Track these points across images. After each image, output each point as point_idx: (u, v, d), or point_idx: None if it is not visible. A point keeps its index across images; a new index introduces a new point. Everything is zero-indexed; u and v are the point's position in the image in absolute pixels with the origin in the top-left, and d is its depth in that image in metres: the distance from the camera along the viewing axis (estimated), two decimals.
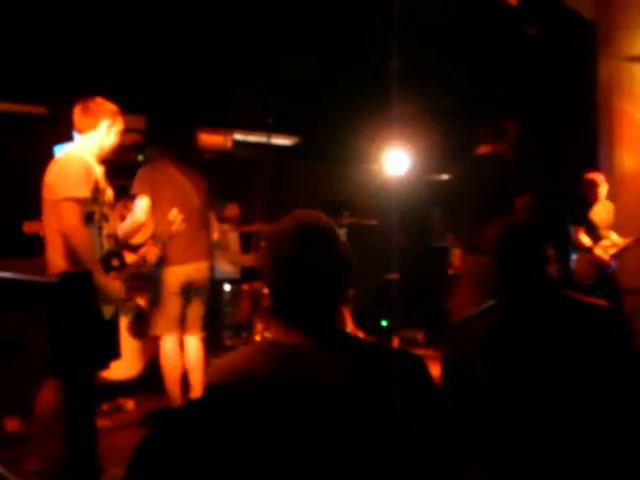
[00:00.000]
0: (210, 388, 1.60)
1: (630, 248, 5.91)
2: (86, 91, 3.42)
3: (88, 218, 3.27)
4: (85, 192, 3.23)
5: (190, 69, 6.02)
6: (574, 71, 6.69)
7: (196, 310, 4.47)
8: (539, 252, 2.22)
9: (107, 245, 3.38)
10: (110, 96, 3.50)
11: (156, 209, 4.25)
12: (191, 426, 1.46)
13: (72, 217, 3.18)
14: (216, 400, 1.53)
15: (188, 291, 4.40)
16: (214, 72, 6.23)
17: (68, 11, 5.18)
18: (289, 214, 1.71)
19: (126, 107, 5.35)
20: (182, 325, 4.42)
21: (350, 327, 6.05)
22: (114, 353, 3.46)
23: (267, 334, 5.49)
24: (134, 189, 4.29)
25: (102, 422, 4.19)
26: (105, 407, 4.54)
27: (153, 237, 4.19)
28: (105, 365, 3.62)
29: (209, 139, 6.26)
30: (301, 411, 1.50)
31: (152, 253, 3.81)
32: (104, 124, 3.42)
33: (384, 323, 6.68)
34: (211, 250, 4.65)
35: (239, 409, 1.47)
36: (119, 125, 3.51)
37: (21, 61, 5.06)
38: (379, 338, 6.39)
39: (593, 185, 6.06)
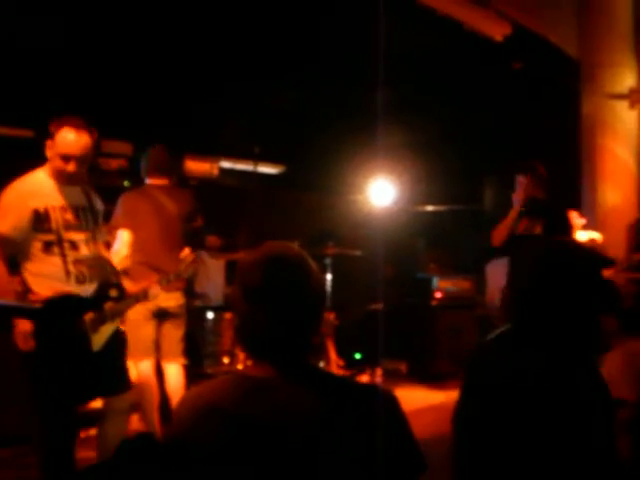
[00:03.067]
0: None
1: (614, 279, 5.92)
2: (73, 116, 3.40)
3: (46, 248, 3.22)
4: (2, 227, 3.16)
5: (178, 97, 6.04)
6: (558, 107, 6.79)
7: (172, 336, 4.43)
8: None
9: (75, 272, 3.28)
10: (97, 121, 3.47)
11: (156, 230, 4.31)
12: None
13: None
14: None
15: (160, 318, 4.37)
16: (201, 100, 6.25)
17: (57, 37, 5.19)
18: (261, 245, 1.67)
19: (113, 133, 5.38)
20: (159, 352, 4.39)
21: (332, 357, 6.02)
22: (112, 384, 3.40)
23: (249, 362, 5.45)
24: (114, 221, 4.26)
25: (81, 452, 4.12)
26: (83, 435, 4.47)
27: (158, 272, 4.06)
28: (93, 396, 3.58)
29: (195, 166, 6.26)
30: (267, 446, 1.47)
31: (155, 289, 3.66)
32: (52, 139, 3.26)
33: (357, 356, 6.64)
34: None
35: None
36: (63, 144, 3.24)
37: (8, 85, 5.06)
38: (359, 369, 6.37)
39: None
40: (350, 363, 6.32)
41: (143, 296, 3.58)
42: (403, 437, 1.57)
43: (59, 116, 3.31)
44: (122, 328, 3.84)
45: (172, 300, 4.36)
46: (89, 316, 3.28)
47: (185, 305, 4.54)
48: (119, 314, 3.46)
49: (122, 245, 4.12)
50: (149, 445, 1.54)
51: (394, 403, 1.60)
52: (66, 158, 3.24)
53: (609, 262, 2.21)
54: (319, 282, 1.64)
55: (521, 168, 5.14)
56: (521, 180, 5.10)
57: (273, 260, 1.59)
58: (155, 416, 4.23)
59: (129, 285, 3.65)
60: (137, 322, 4.25)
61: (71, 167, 3.25)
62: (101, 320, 3.33)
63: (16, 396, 3.64)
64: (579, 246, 2.18)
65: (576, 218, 6.09)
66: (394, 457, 1.53)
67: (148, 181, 4.57)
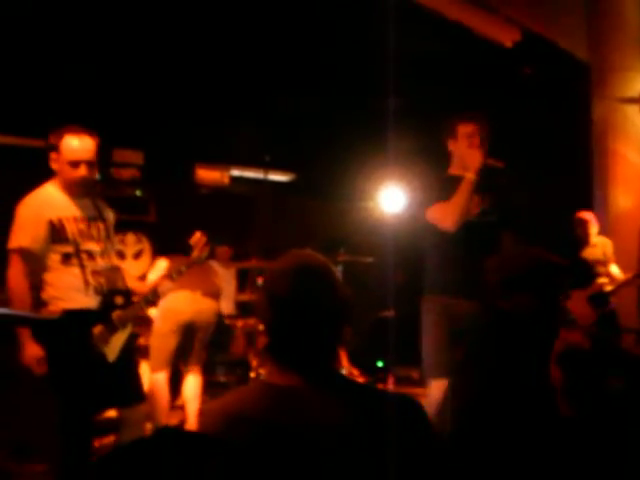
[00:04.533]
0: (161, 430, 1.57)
1: (627, 285, 5.90)
2: (84, 126, 3.41)
3: (64, 260, 3.24)
4: (23, 241, 3.19)
5: (188, 105, 6.06)
6: (568, 112, 6.77)
7: (198, 347, 4.51)
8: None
9: (94, 282, 3.28)
10: (108, 131, 3.49)
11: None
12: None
13: (9, 268, 3.19)
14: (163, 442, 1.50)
15: (190, 332, 4.42)
16: (212, 108, 6.27)
17: (69, 47, 5.23)
18: (286, 254, 1.69)
19: (125, 142, 5.40)
20: (184, 360, 4.47)
21: (345, 365, 6.01)
22: (128, 395, 3.40)
23: (262, 371, 5.45)
24: None
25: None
26: (97, 444, 4.48)
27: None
28: (107, 406, 3.58)
29: (206, 174, 6.28)
30: (295, 454, 1.48)
31: (165, 285, 3.63)
32: (56, 150, 3.26)
33: (380, 364, 6.63)
34: (218, 290, 4.65)
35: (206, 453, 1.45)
36: (69, 151, 3.25)
37: (20, 95, 5.09)
38: (374, 377, 6.35)
39: (583, 224, 6.09)
40: (368, 370, 6.31)
41: (153, 295, 3.52)
42: (430, 445, 1.58)
43: (58, 128, 3.33)
44: (137, 334, 3.82)
45: (204, 314, 4.45)
46: (97, 329, 3.27)
47: (218, 314, 4.63)
48: (130, 320, 3.41)
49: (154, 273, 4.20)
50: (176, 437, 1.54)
51: (420, 411, 1.61)
52: (75, 164, 3.26)
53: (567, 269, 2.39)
54: (344, 290, 1.65)
55: (463, 116, 3.77)
56: (467, 130, 3.71)
57: (301, 269, 1.61)
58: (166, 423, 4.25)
59: (139, 286, 3.61)
60: (163, 334, 4.28)
61: (82, 171, 3.27)
62: (110, 331, 3.31)
63: (25, 407, 3.66)
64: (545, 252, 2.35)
65: (593, 225, 6.06)
66: (422, 464, 1.54)
67: None
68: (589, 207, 6.55)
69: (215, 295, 4.57)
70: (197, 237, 3.73)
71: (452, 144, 3.78)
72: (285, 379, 1.59)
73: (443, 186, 3.67)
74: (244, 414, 1.54)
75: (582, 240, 6.07)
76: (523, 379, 2.13)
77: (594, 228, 6.08)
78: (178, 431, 1.54)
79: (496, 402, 2.08)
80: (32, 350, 3.10)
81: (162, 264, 4.31)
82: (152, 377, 4.31)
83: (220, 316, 5.86)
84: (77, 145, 3.26)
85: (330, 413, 1.53)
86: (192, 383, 4.46)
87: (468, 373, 2.25)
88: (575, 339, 2.43)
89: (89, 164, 3.29)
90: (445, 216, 3.52)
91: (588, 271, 5.95)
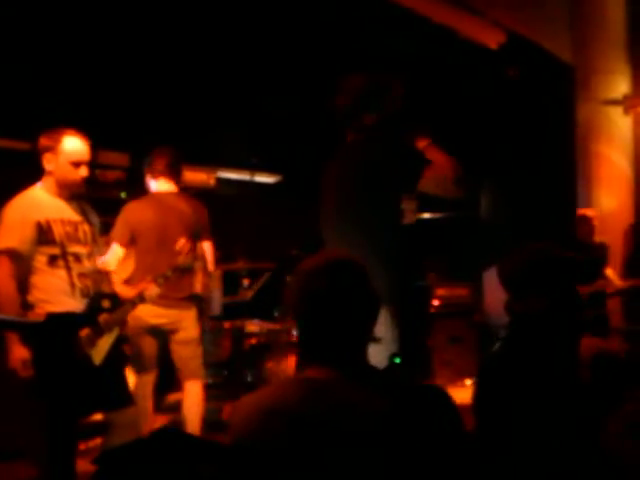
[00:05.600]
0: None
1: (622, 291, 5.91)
2: (69, 127, 3.41)
3: (51, 262, 3.22)
4: (10, 242, 3.18)
5: (175, 107, 6.05)
6: (553, 113, 6.81)
7: (185, 357, 4.31)
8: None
9: (80, 285, 3.29)
10: (94, 133, 3.49)
11: (149, 239, 4.19)
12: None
13: None
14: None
15: (160, 336, 4.26)
16: (198, 110, 6.26)
17: (54, 49, 5.20)
18: (320, 252, 1.75)
19: (110, 144, 5.38)
20: (180, 371, 4.35)
21: None
22: (114, 399, 3.39)
23: (247, 372, 5.46)
24: (112, 232, 4.20)
25: (81, 464, 4.11)
26: (83, 447, 4.46)
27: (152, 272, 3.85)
28: (93, 410, 3.56)
29: (192, 176, 6.26)
30: (330, 446, 1.51)
31: (151, 290, 3.59)
32: (53, 151, 3.28)
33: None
34: (197, 293, 4.37)
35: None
36: (72, 152, 3.29)
37: (4, 97, 5.06)
38: None
39: (587, 221, 5.98)
40: None
41: (140, 299, 3.53)
42: (459, 435, 1.61)
43: (50, 129, 3.33)
44: (124, 337, 3.79)
45: (163, 318, 4.20)
46: (84, 332, 3.26)
47: (194, 318, 4.35)
48: (116, 324, 3.41)
49: (111, 259, 4.07)
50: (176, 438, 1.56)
51: (450, 401, 1.65)
52: (77, 164, 3.29)
53: (579, 263, 2.34)
54: (373, 287, 1.70)
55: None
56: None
57: (336, 266, 1.66)
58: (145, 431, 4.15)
59: (126, 290, 3.63)
60: (135, 336, 4.24)
61: (83, 172, 3.32)
62: (97, 334, 3.30)
63: (10, 410, 3.64)
64: (552, 247, 2.30)
65: (592, 214, 6.01)
66: (452, 453, 1.57)
67: (154, 187, 4.43)
68: (573, 208, 6.60)
69: (193, 299, 4.35)
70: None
71: None
72: (319, 373, 1.62)
73: None
74: (279, 407, 1.58)
75: (585, 238, 5.99)
76: (545, 382, 2.09)
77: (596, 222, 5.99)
78: (178, 432, 1.55)
79: (522, 408, 2.06)
80: (18, 353, 3.09)
81: (118, 251, 4.19)
82: (136, 380, 4.28)
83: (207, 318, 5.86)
84: (79, 146, 3.31)
85: (365, 404, 1.56)
86: (190, 395, 4.29)
87: (490, 380, 2.21)
88: (608, 345, 2.34)
89: (87, 165, 3.34)
90: None
91: (593, 269, 5.87)
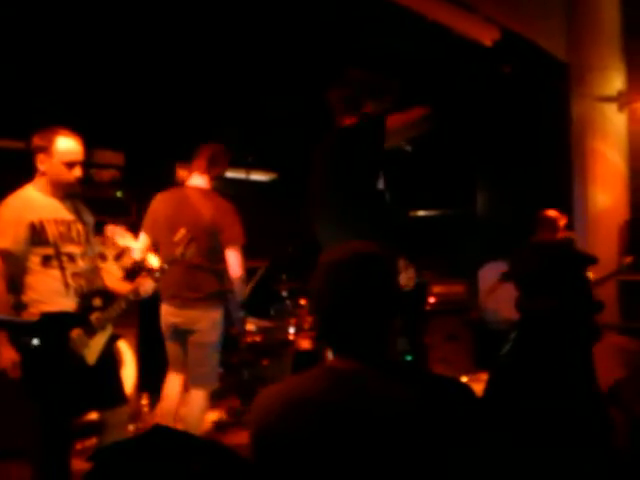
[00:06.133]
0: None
1: (600, 284, 5.94)
2: (64, 127, 3.39)
3: (44, 262, 3.21)
4: (2, 243, 3.16)
5: (169, 106, 6.04)
6: (548, 110, 6.82)
7: (192, 361, 4.16)
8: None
9: (74, 284, 3.28)
10: (88, 132, 3.48)
11: (161, 231, 4.14)
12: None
13: None
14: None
15: (181, 336, 4.17)
16: (193, 108, 6.25)
17: (47, 47, 5.19)
18: (345, 245, 1.73)
19: (105, 143, 5.37)
20: (187, 375, 4.23)
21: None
22: (108, 398, 3.39)
23: (245, 371, 5.46)
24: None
25: (77, 463, 4.11)
26: (79, 447, 4.46)
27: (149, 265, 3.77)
28: (87, 409, 3.56)
29: (188, 175, 6.25)
30: (353, 435, 1.52)
31: (146, 284, 3.50)
32: (46, 151, 3.26)
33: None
34: (216, 295, 4.17)
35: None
36: (66, 152, 3.26)
37: None
38: None
39: (551, 222, 6.04)
40: None
41: (134, 295, 3.46)
42: (480, 425, 1.63)
43: (43, 128, 3.32)
44: (118, 335, 3.75)
45: (179, 317, 4.14)
46: (75, 332, 3.25)
47: (213, 322, 4.15)
48: (109, 321, 3.39)
49: (139, 247, 4.06)
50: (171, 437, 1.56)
51: (472, 395, 1.66)
52: (71, 165, 3.28)
53: (592, 260, 2.28)
54: (398, 281, 1.73)
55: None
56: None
57: (363, 259, 1.67)
58: None
59: (121, 286, 3.56)
60: (164, 334, 4.23)
61: (77, 172, 3.30)
62: (89, 333, 3.29)
63: (7, 409, 3.64)
64: (565, 245, 2.25)
65: (560, 219, 6.10)
66: (473, 443, 1.59)
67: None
68: (568, 205, 6.60)
69: (213, 301, 4.19)
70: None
71: None
72: (344, 364, 1.64)
73: None
74: (304, 395, 1.60)
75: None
76: (558, 383, 2.06)
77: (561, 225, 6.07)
78: (171, 430, 1.56)
79: (534, 409, 2.04)
80: (7, 354, 3.08)
81: (143, 240, 4.19)
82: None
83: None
84: (73, 146, 3.29)
85: (390, 394, 1.57)
86: (191, 401, 4.15)
87: (503, 381, 2.19)
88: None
89: (81, 165, 3.32)
90: None
91: None
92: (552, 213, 6.01)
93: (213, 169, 4.33)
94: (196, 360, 4.16)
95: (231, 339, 5.13)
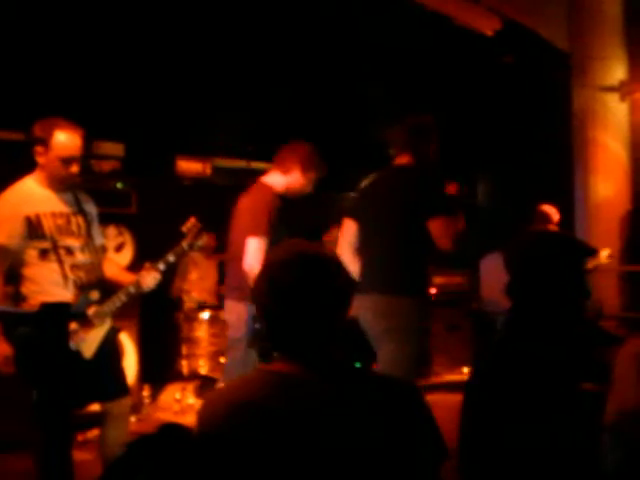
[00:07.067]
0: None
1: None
2: (65, 118, 3.36)
3: (42, 255, 3.19)
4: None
5: (169, 97, 6.02)
6: (549, 100, 6.80)
7: None
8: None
9: (73, 277, 3.24)
10: (88, 123, 3.45)
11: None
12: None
13: None
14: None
15: None
16: (193, 99, 6.23)
17: (47, 37, 5.17)
18: (286, 243, 1.70)
19: (105, 134, 5.35)
20: None
21: None
22: (108, 389, 3.36)
23: None
24: None
25: (79, 454, 4.11)
26: (80, 438, 4.46)
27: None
28: (88, 401, 3.54)
29: (188, 166, 6.24)
30: (294, 440, 1.50)
31: (148, 277, 3.35)
32: (44, 144, 3.17)
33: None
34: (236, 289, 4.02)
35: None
36: (63, 147, 3.18)
37: None
38: None
39: (546, 217, 6.09)
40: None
41: (136, 288, 3.35)
42: (426, 426, 1.60)
43: (44, 118, 3.27)
44: (118, 327, 3.69)
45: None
46: (72, 326, 3.22)
47: (235, 314, 4.01)
48: (107, 315, 3.33)
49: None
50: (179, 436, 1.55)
51: (417, 393, 1.64)
52: (68, 161, 3.21)
53: (592, 251, 2.26)
54: (344, 278, 1.66)
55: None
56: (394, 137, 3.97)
57: (305, 261, 1.61)
58: None
59: (123, 277, 3.49)
60: None
61: (74, 168, 3.24)
62: (85, 327, 3.25)
63: (12, 402, 3.64)
64: (563, 235, 2.22)
65: (554, 214, 6.12)
66: (418, 445, 1.56)
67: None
68: (569, 195, 6.60)
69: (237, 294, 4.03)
70: (191, 222, 3.46)
71: None
72: (285, 366, 1.61)
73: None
74: (246, 401, 1.56)
75: None
76: (545, 372, 2.02)
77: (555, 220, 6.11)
78: (181, 428, 1.54)
79: (520, 398, 2.01)
80: (1, 348, 3.06)
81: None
82: None
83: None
84: (70, 142, 3.21)
85: (330, 399, 1.55)
86: None
87: (487, 372, 2.15)
88: None
89: (79, 160, 3.27)
90: (448, 235, 3.61)
91: None
92: (546, 208, 6.04)
93: (281, 166, 4.21)
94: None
95: None
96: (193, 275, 5.95)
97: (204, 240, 3.47)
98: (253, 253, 3.89)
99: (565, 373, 2.04)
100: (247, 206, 4.13)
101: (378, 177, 3.89)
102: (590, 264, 5.94)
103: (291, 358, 1.61)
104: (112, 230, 5.26)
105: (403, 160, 3.81)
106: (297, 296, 1.58)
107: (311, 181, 4.21)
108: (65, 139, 3.19)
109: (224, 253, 5.83)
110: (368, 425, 1.52)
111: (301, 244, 1.68)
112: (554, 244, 2.18)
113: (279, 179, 4.19)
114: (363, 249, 3.75)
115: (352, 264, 3.68)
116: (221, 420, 1.57)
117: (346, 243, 3.87)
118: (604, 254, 5.89)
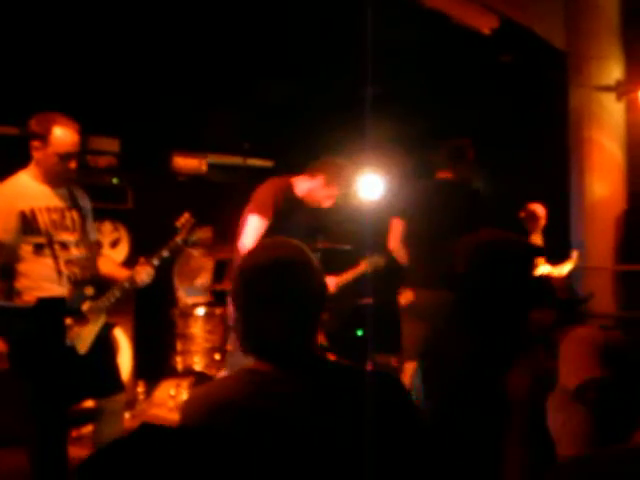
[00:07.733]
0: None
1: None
2: (61, 113, 3.35)
3: (37, 250, 3.18)
4: None
5: (165, 92, 6.01)
6: (545, 99, 6.80)
7: None
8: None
9: (67, 272, 3.24)
10: (84, 118, 3.44)
11: None
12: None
13: None
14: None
15: None
16: (189, 95, 6.22)
17: (41, 32, 5.15)
18: (263, 243, 1.69)
19: (100, 130, 5.34)
20: None
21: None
22: (103, 386, 3.36)
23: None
24: None
25: (73, 450, 4.10)
26: (75, 434, 4.46)
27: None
28: (82, 397, 3.54)
29: (184, 162, 6.23)
30: (275, 438, 1.51)
31: (143, 273, 3.35)
32: (42, 139, 3.17)
33: (359, 333, 6.69)
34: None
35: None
36: (62, 143, 3.18)
37: None
38: (352, 360, 6.36)
39: (535, 216, 6.16)
40: (347, 358, 6.32)
41: (130, 283, 3.35)
42: (411, 420, 1.61)
43: (40, 113, 3.26)
44: (113, 323, 3.68)
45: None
46: (66, 322, 3.21)
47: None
48: (102, 310, 3.34)
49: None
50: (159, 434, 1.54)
51: (399, 386, 1.65)
52: (66, 157, 3.20)
53: (539, 252, 2.26)
54: (321, 279, 1.66)
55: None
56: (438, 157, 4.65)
57: (280, 264, 1.61)
58: None
59: (119, 272, 3.49)
60: None
61: (72, 164, 3.23)
62: (80, 323, 3.25)
63: (5, 397, 3.63)
64: (510, 236, 2.21)
65: (541, 211, 6.15)
66: (402, 439, 1.57)
67: None
68: (565, 194, 6.60)
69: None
70: (185, 218, 3.46)
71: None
72: (264, 366, 1.61)
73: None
74: (227, 400, 1.57)
75: (530, 231, 6.15)
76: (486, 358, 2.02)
77: (543, 220, 6.18)
78: (160, 427, 1.53)
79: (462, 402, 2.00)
80: None
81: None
82: None
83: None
84: (68, 138, 3.20)
85: (307, 396, 1.55)
86: None
87: (438, 362, 2.16)
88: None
89: (77, 156, 3.27)
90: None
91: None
92: (534, 207, 6.10)
93: (331, 184, 4.41)
94: None
95: None
96: (189, 271, 5.95)
97: (198, 235, 3.46)
98: (250, 231, 3.99)
99: (489, 367, 2.03)
100: (258, 191, 4.25)
101: (427, 186, 4.54)
102: (565, 267, 5.98)
103: (267, 358, 1.61)
104: (108, 226, 5.26)
105: (444, 175, 4.45)
106: (272, 302, 1.58)
107: (331, 195, 4.30)
108: (63, 135, 3.19)
109: (220, 249, 5.84)
110: (347, 418, 1.53)
111: (279, 245, 1.67)
112: (502, 244, 2.15)
113: (303, 181, 4.37)
114: (426, 247, 4.29)
115: (401, 254, 4.58)
116: (202, 419, 1.57)
117: (396, 239, 4.57)
118: (575, 255, 5.97)
